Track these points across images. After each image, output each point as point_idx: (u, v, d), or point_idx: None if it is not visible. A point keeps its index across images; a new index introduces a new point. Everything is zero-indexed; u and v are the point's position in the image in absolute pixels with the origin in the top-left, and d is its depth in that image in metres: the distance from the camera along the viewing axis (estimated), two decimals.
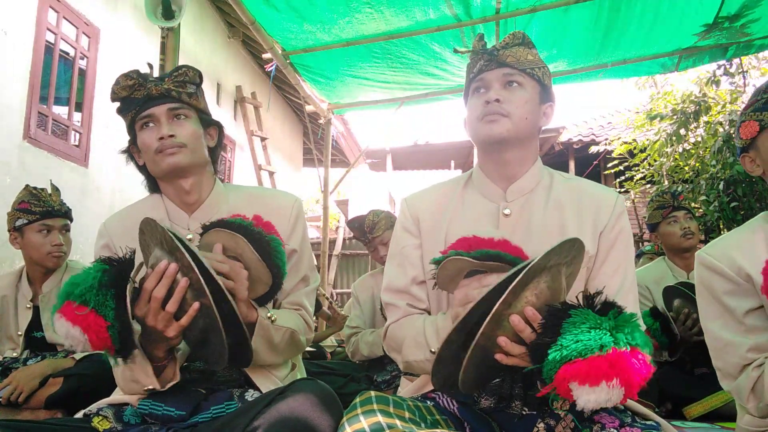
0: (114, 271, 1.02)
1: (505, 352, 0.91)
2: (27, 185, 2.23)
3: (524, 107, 1.19)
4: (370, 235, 2.70)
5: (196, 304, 1.00)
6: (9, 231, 2.18)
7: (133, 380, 1.14)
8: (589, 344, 0.82)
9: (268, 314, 1.20)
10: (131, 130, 1.31)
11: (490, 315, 0.88)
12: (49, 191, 2.23)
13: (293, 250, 1.35)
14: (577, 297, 0.91)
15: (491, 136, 1.18)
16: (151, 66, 1.33)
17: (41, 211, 2.15)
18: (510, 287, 0.88)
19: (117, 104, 1.32)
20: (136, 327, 1.06)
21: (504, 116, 1.17)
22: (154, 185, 1.38)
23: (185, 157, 1.27)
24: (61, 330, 0.97)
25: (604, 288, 1.05)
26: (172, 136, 1.26)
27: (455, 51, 1.31)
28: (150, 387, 1.11)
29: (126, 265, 1.04)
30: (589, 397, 0.81)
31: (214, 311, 0.99)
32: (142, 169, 1.36)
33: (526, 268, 0.88)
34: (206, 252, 1.13)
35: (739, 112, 1.41)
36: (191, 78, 1.32)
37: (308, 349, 3.23)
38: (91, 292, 0.98)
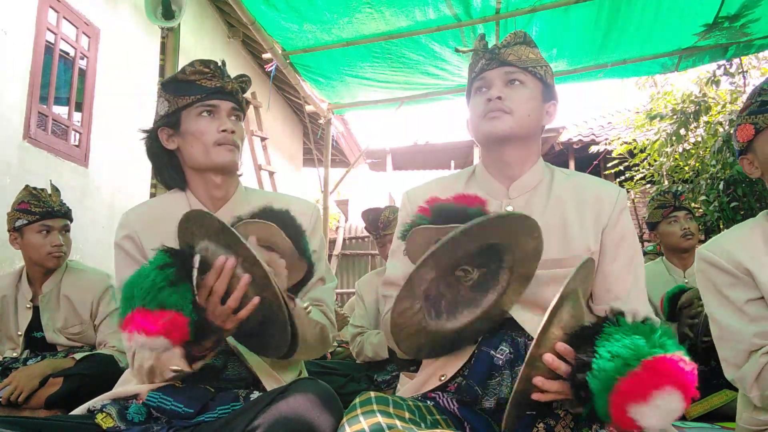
0: (183, 265, 1.00)
1: (541, 390, 0.91)
2: (27, 185, 2.22)
3: (526, 104, 1.20)
4: (382, 231, 2.70)
5: (256, 299, 1.01)
6: (9, 231, 2.18)
7: (154, 368, 1.09)
8: (624, 354, 0.81)
9: (304, 305, 1.21)
10: (175, 113, 1.30)
11: (526, 360, 0.89)
12: (49, 191, 2.22)
13: (312, 251, 1.35)
14: (598, 316, 0.92)
15: (493, 133, 1.19)
16: (224, 62, 1.36)
17: (41, 211, 2.15)
18: (539, 331, 0.88)
19: (172, 83, 1.32)
20: None
21: (506, 113, 1.18)
22: (172, 178, 1.36)
23: (236, 157, 1.31)
24: (136, 344, 0.94)
25: (616, 285, 1.06)
26: (234, 132, 1.29)
27: (457, 51, 1.32)
28: (178, 368, 1.07)
29: (188, 257, 1.03)
30: (651, 415, 0.79)
31: (282, 303, 0.99)
32: (164, 154, 1.34)
33: (549, 311, 0.89)
34: None
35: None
36: (248, 87, 1.39)
37: None
38: (162, 292, 0.95)
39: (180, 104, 1.29)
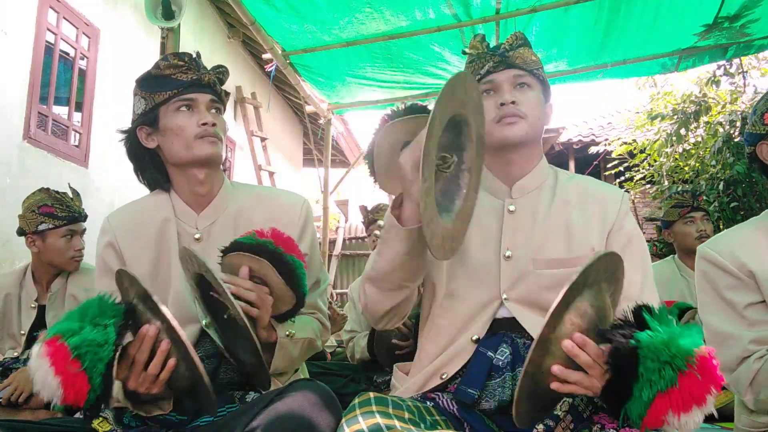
0: (124, 330, 0.97)
1: (560, 380, 0.88)
2: (48, 188, 2.20)
3: (537, 108, 1.20)
4: (370, 214, 2.71)
5: (171, 361, 0.98)
6: (28, 234, 2.14)
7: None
8: (668, 376, 0.81)
9: (287, 332, 1.20)
10: (153, 110, 1.26)
11: (536, 341, 0.85)
12: (71, 195, 2.22)
13: (304, 254, 1.33)
14: (624, 315, 0.90)
15: (509, 138, 1.17)
16: (198, 54, 1.32)
17: (67, 216, 2.15)
18: (551, 310, 0.85)
19: (147, 79, 1.28)
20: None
21: (521, 118, 1.17)
22: (155, 179, 1.33)
23: (220, 149, 1.28)
24: (38, 371, 0.89)
25: (628, 287, 1.04)
26: (215, 124, 1.26)
27: (463, 53, 1.29)
28: (161, 411, 1.09)
29: (126, 314, 0.99)
30: (688, 421, 0.81)
31: (198, 369, 0.98)
32: (145, 154, 1.30)
33: (565, 288, 0.85)
34: (234, 276, 1.12)
35: (756, 101, 1.39)
36: (226, 79, 1.35)
37: None
38: (90, 351, 0.90)
39: (157, 100, 1.25)
